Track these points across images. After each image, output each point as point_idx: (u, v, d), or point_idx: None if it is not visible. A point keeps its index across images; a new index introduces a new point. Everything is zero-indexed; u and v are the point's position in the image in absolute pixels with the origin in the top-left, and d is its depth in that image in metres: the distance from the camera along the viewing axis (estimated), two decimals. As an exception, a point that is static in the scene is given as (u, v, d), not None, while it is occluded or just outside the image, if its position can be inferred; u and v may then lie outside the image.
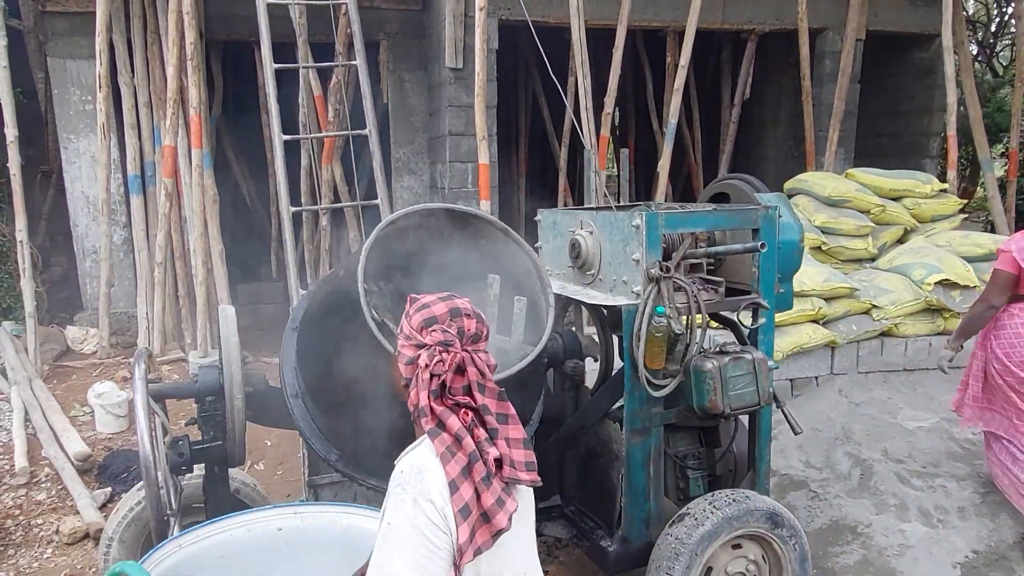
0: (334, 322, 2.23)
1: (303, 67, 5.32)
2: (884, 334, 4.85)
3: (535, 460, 1.48)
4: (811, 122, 6.48)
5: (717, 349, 2.61)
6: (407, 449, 1.49)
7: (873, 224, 5.31)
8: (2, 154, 5.75)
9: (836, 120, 6.38)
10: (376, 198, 4.86)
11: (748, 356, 2.57)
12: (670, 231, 2.59)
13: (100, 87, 5.63)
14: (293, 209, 4.37)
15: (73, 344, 6.32)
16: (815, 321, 4.67)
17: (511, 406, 1.48)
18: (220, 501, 2.20)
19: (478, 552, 1.39)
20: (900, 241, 5.53)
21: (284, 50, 5.63)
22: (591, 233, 2.82)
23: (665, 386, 2.58)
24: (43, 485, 4.03)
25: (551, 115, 8.37)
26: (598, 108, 5.90)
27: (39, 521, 3.75)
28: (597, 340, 3.10)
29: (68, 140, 6.51)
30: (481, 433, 1.42)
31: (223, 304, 5.82)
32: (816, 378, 4.79)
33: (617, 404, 2.75)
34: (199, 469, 2.42)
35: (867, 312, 4.78)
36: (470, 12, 5.71)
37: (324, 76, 6.24)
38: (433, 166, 7.06)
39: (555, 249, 3.09)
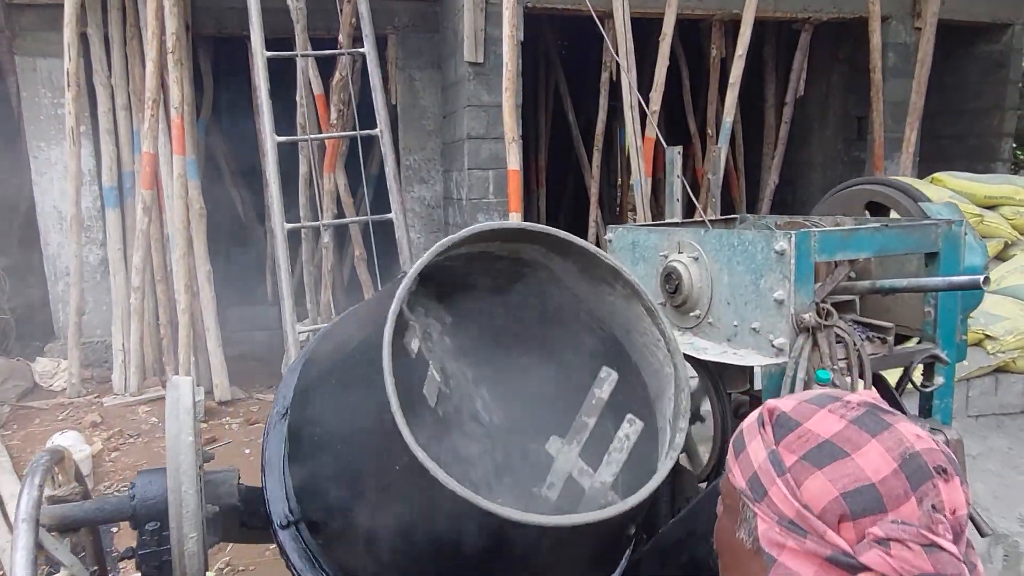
0: (348, 401, 1.45)
1: (301, 55, 4.56)
2: (998, 370, 4.05)
3: None
4: (881, 120, 5.71)
5: (892, 426, 1.82)
6: None
7: (970, 237, 4.53)
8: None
9: (913, 118, 5.62)
10: (388, 211, 4.08)
11: (940, 438, 1.78)
12: (824, 258, 1.81)
13: (69, 86, 4.89)
14: (289, 226, 3.60)
15: (41, 379, 5.55)
16: (917, 355, 3.88)
17: None
18: None
19: None
20: (998, 257, 4.74)
21: (281, 47, 4.90)
22: (696, 259, 2.04)
23: (818, 480, 1.79)
24: (-21, 571, 3.24)
25: (576, 116, 7.61)
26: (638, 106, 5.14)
27: (-33, 624, 2.95)
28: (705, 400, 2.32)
29: (38, 148, 5.78)
30: None
31: (212, 335, 5.04)
32: (918, 423, 3.99)
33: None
34: None
35: (979, 343, 3.99)
36: (492, -1, 4.99)
37: (326, 74, 5.50)
38: (447, 174, 6.31)
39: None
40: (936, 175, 4.93)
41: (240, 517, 1.60)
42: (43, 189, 5.80)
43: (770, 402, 0.80)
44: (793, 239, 1.72)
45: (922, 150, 6.90)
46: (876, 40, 5.52)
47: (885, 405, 0.76)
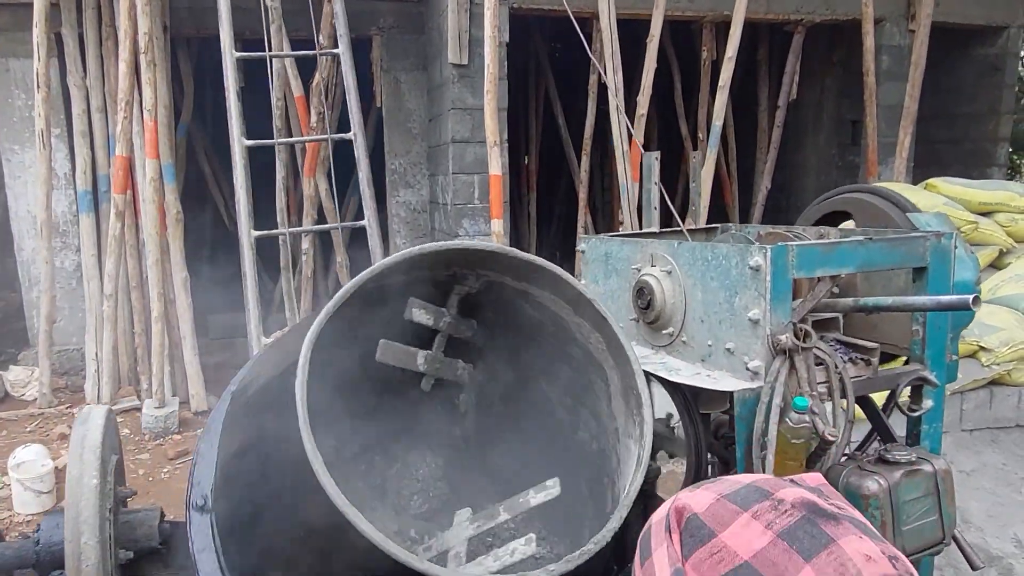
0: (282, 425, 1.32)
1: (271, 55, 4.42)
2: (993, 382, 3.93)
3: None
4: (875, 124, 5.58)
5: (875, 455, 1.69)
6: None
7: (965, 245, 4.40)
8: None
9: (908, 121, 5.49)
10: (363, 218, 3.95)
11: (927, 468, 1.66)
12: (803, 274, 1.68)
13: (38, 86, 4.75)
14: (256, 233, 3.47)
15: (13, 388, 5.41)
16: (910, 367, 3.76)
17: None
18: None
19: None
20: (993, 265, 4.62)
21: (261, 48, 4.78)
22: (669, 273, 1.91)
23: (796, 513, 1.66)
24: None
25: (568, 120, 7.48)
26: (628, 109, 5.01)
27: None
28: (677, 428, 2.19)
29: (11, 151, 5.64)
30: None
31: (186, 339, 4.89)
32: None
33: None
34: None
35: (973, 355, 3.86)
36: (476, -1, 4.86)
37: (307, 75, 5.37)
38: (433, 179, 6.18)
39: (608, 293, 2.19)
40: (930, 181, 4.81)
41: (162, 560, 1.47)
42: (16, 193, 5.66)
43: (682, 495, 0.64)
44: (768, 254, 1.60)
45: (916, 155, 6.79)
46: (869, 42, 5.40)
47: (829, 501, 0.59)
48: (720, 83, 4.97)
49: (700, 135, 6.23)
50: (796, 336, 1.60)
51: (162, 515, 1.49)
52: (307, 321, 1.51)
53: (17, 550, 1.36)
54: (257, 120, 5.97)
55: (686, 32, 6.97)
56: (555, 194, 9.29)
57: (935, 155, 7.18)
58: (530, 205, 8.12)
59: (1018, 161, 10.32)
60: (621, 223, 5.05)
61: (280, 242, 5.10)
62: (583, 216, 6.05)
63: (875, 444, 2.10)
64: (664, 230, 2.46)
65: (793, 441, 1.53)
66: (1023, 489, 3.59)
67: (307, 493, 1.08)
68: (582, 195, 6.09)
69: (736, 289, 1.69)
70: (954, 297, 1.51)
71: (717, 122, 5.00)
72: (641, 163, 4.94)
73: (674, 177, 7.95)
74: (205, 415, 5.04)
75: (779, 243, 1.64)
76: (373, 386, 1.56)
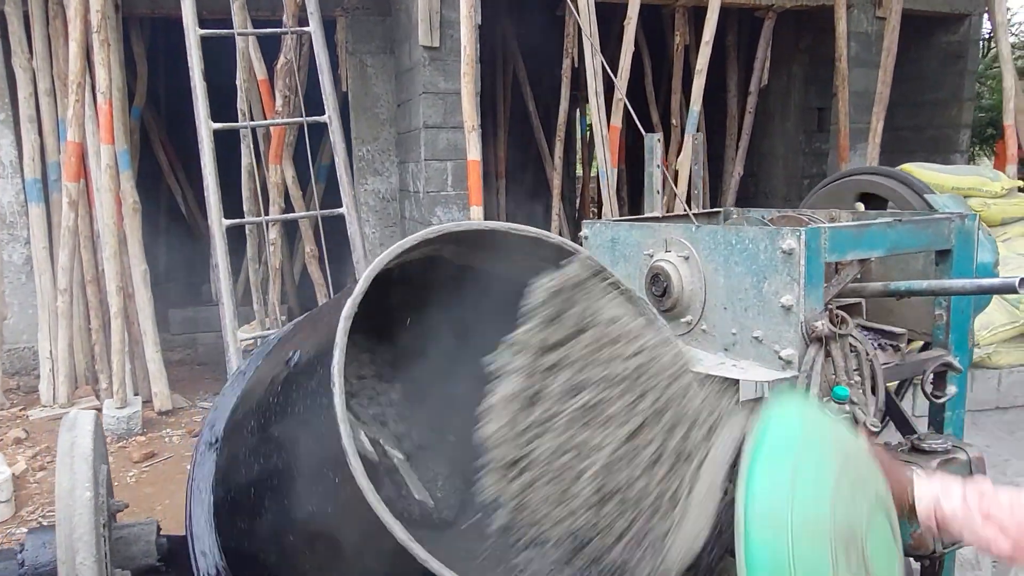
0: (284, 436, 1.21)
1: (238, 34, 4.21)
2: (973, 365, 3.96)
3: None
4: (847, 110, 5.61)
5: (908, 445, 1.64)
6: None
7: (940, 229, 4.45)
8: None
9: (880, 107, 5.53)
10: (340, 205, 3.78)
11: (962, 456, 1.61)
12: (835, 257, 1.61)
13: (-19, 68, 4.45)
14: (228, 222, 3.29)
15: (-40, 390, 5.10)
16: (893, 352, 3.76)
17: None
18: None
19: None
20: (966, 249, 4.67)
21: (221, 28, 4.55)
22: (686, 258, 1.83)
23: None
24: None
25: (536, 105, 7.37)
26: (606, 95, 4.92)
27: None
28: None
29: (-47, 138, 5.31)
30: None
31: (149, 335, 4.66)
32: (894, 422, 3.88)
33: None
34: None
35: (954, 339, 3.89)
36: (448, -21, 4.71)
37: (271, 57, 5.15)
38: (403, 166, 6.02)
39: (616, 280, 2.09)
40: (904, 166, 4.82)
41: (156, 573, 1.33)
42: (-40, 183, 5.33)
43: None
44: (803, 237, 1.52)
45: (881, 141, 6.88)
46: (842, 28, 5.42)
47: None
48: (697, 67, 4.93)
49: (673, 121, 6.19)
50: (832, 322, 1.53)
51: (158, 529, 1.35)
52: (305, 327, 1.38)
53: (8, 566, 1.22)
54: (212, 108, 5.73)
55: (656, 18, 6.91)
56: (522, 181, 9.17)
57: (899, 142, 7.28)
58: (498, 194, 7.99)
59: (977, 151, 10.53)
60: (594, 211, 4.99)
61: (247, 232, 4.89)
62: (557, 203, 5.96)
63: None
64: (669, 215, 2.38)
65: (833, 433, 1.46)
66: (1007, 471, 3.64)
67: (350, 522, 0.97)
68: (556, 182, 6.00)
69: (765, 274, 1.61)
70: (998, 280, 1.45)
71: (695, 106, 4.96)
72: (620, 147, 4.90)
73: (638, 163, 7.91)
74: (169, 415, 4.82)
75: (810, 226, 1.57)
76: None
